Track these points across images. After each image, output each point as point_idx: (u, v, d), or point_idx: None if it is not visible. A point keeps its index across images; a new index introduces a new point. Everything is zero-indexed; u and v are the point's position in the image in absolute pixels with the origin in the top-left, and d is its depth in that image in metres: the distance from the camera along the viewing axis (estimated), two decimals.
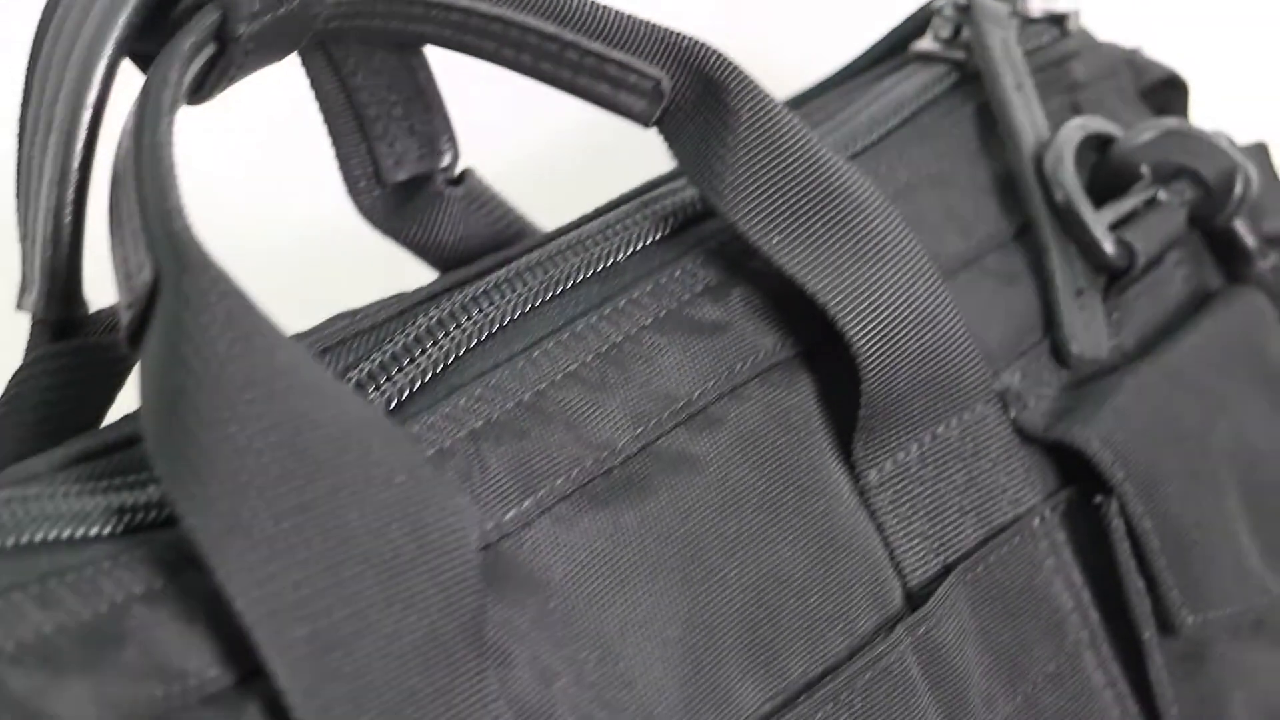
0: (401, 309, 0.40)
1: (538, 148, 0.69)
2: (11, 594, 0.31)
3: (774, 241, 0.40)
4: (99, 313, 0.38)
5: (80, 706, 0.31)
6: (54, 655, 0.31)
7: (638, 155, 0.48)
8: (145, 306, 0.33)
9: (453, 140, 0.45)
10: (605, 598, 0.36)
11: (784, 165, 0.41)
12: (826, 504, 0.40)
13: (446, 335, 0.38)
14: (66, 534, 0.33)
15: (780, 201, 0.40)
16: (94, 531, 0.33)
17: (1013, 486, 0.44)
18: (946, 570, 0.42)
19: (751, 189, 0.40)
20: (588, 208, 0.44)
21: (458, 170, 0.45)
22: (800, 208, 0.41)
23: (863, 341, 0.40)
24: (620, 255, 0.41)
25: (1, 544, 0.32)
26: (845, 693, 0.38)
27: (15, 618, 0.31)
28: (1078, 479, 0.45)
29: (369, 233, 0.46)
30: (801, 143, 0.41)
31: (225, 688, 0.32)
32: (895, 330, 0.41)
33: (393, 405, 0.37)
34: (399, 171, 0.44)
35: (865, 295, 0.41)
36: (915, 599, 0.41)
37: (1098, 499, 0.44)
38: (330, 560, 0.32)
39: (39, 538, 0.33)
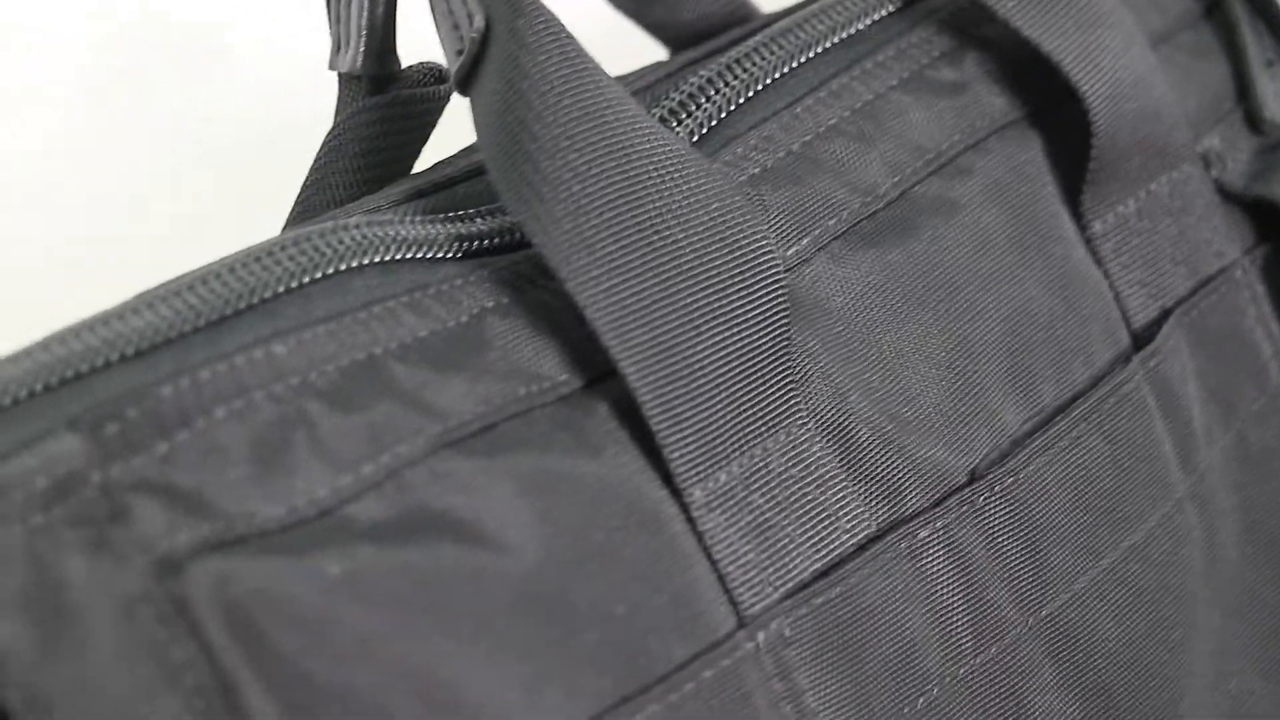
0: (669, 72, 0.43)
1: None
2: (387, 302, 0.35)
3: (1010, 7, 0.43)
4: (409, 68, 0.41)
5: (458, 400, 0.34)
6: (432, 354, 0.34)
7: None
8: (478, 52, 0.36)
9: None
10: (881, 325, 0.40)
11: None
12: (1064, 249, 0.43)
13: (717, 92, 0.41)
14: (417, 255, 0.36)
15: None
16: (440, 255, 0.37)
17: (1216, 240, 0.47)
18: (1164, 314, 0.45)
19: None
20: None
21: None
22: None
23: (1095, 99, 0.43)
24: (861, 23, 0.44)
25: (368, 260, 0.35)
26: (1095, 415, 0.42)
27: (393, 322, 0.35)
28: (1273, 237, 0.48)
29: None
30: None
31: (575, 390, 0.36)
32: (1120, 90, 0.44)
33: None
34: None
35: (1095, 58, 0.44)
36: (1139, 339, 0.44)
37: None
38: (663, 275, 0.36)
39: (396, 257, 0.36)
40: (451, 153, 0.42)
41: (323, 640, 0.31)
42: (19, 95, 0.73)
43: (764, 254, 0.37)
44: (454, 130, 0.45)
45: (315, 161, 0.43)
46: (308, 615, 0.31)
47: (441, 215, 0.37)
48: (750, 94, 0.42)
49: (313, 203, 0.44)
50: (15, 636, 0.29)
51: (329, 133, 0.42)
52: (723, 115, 0.41)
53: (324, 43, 0.43)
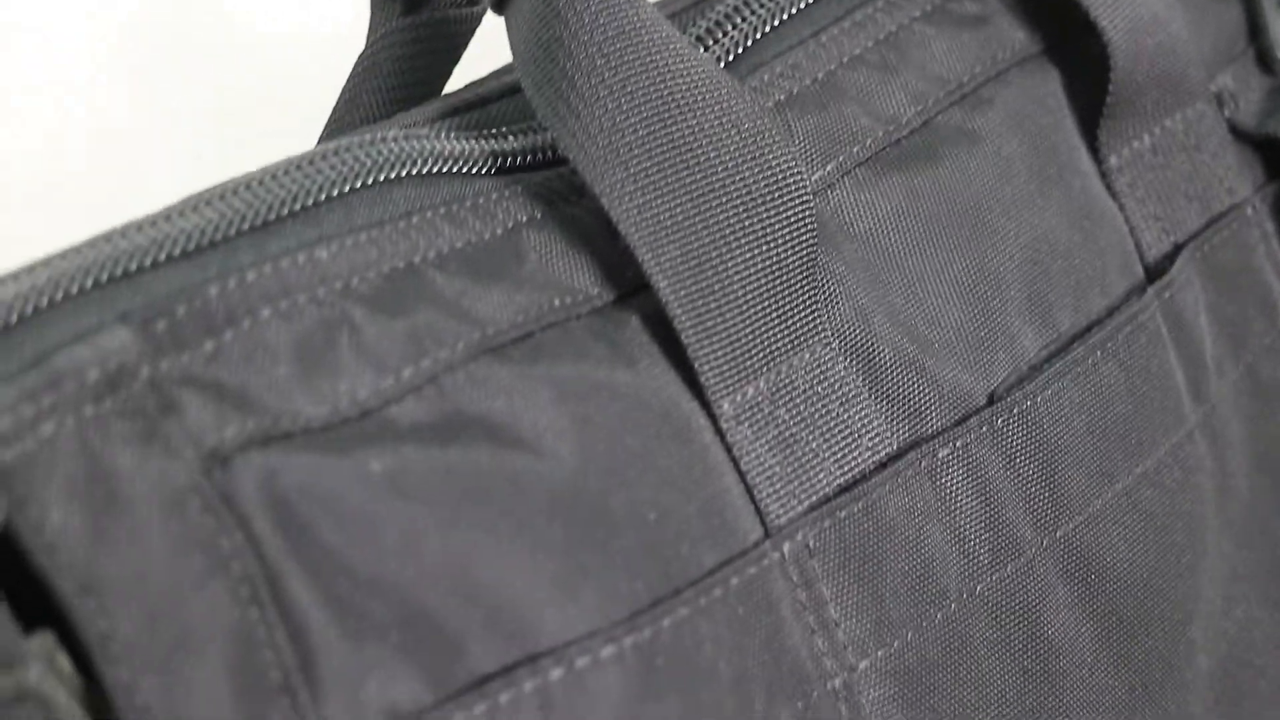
0: (695, 0, 0.44)
1: None
2: (425, 213, 0.35)
3: None
4: None
5: (496, 309, 0.35)
6: (470, 265, 0.35)
7: None
8: None
9: None
10: (904, 249, 0.40)
11: None
12: (1082, 181, 0.44)
13: (744, 20, 0.42)
14: (453, 169, 0.37)
15: None
16: (475, 170, 0.37)
17: (1228, 178, 0.48)
18: (1176, 249, 0.46)
19: None
20: None
21: None
22: None
23: (1114, 33, 0.44)
24: None
25: (406, 172, 0.36)
26: (1111, 343, 0.43)
27: (432, 232, 0.35)
28: None
29: None
30: None
31: (609, 303, 0.36)
32: (1138, 25, 0.45)
33: None
34: None
35: None
36: (1152, 273, 0.45)
37: None
38: (695, 191, 0.36)
39: (432, 170, 0.37)
40: (479, 75, 0.43)
41: (365, 534, 0.32)
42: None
43: (793, 174, 0.38)
44: (480, 55, 0.45)
45: (348, 81, 0.44)
46: (350, 510, 0.32)
47: (475, 132, 0.38)
48: (776, 23, 0.42)
49: (345, 121, 0.44)
50: (67, 524, 0.30)
51: (362, 53, 0.43)
52: (748, 43, 0.42)
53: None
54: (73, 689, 0.30)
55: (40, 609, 0.31)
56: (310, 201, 0.35)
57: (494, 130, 0.38)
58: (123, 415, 0.31)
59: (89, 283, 0.32)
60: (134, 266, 0.33)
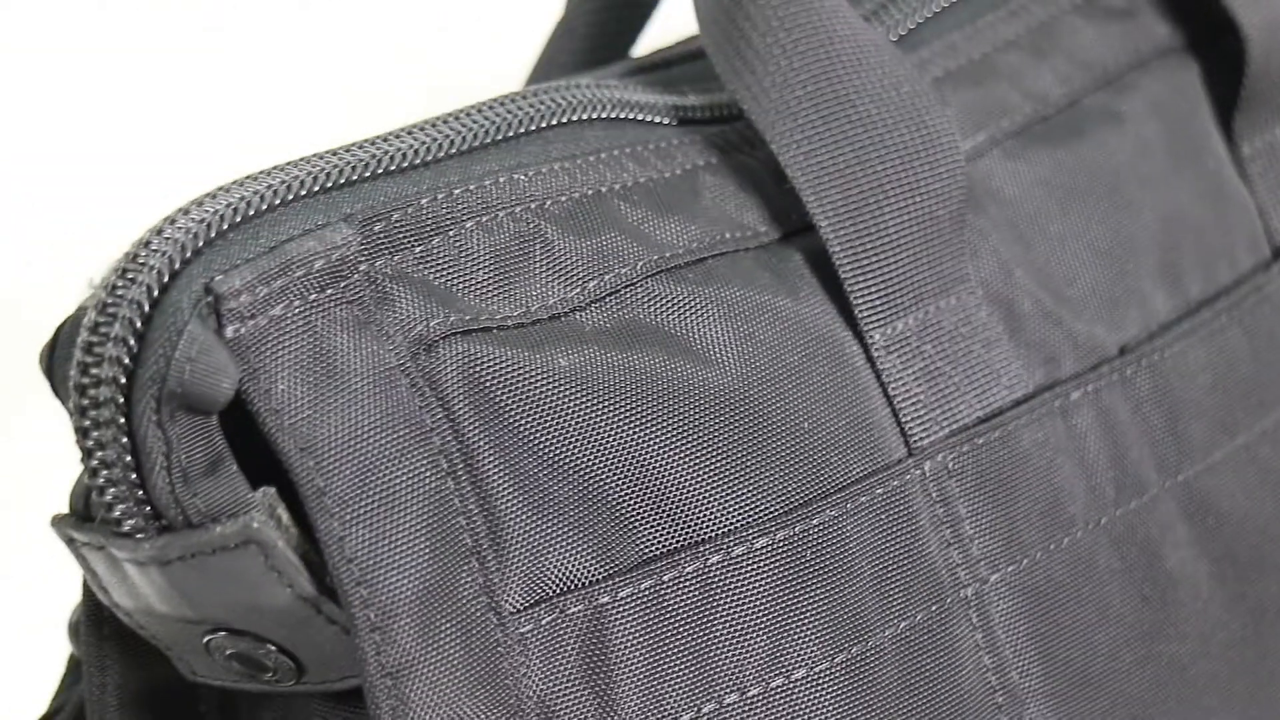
0: None
1: None
2: (613, 150, 0.39)
3: None
4: None
5: (673, 236, 0.39)
6: (651, 197, 0.39)
7: None
8: None
9: None
10: (1047, 213, 0.44)
11: None
12: (1216, 164, 0.48)
13: (907, 3, 0.46)
14: (638, 118, 0.41)
15: None
16: (658, 120, 0.41)
17: None
18: None
19: None
20: None
21: None
22: None
23: (1252, 30, 0.47)
24: None
25: (597, 115, 0.40)
26: (1236, 309, 0.46)
27: (619, 167, 0.39)
28: None
29: None
30: None
31: (774, 240, 0.40)
32: (1275, 24, 0.48)
33: None
34: None
35: None
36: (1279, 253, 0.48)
37: None
38: (857, 144, 0.40)
39: (620, 116, 0.41)
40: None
41: (550, 420, 0.36)
42: None
43: (947, 134, 0.41)
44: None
45: (545, 44, 0.49)
46: (538, 397, 0.36)
47: (660, 88, 0.42)
48: (936, 8, 0.46)
49: (540, 78, 0.49)
50: (292, 392, 0.34)
51: (559, 19, 0.48)
52: (910, 24, 0.45)
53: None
54: (290, 539, 0.34)
55: (264, 470, 0.35)
56: (511, 133, 0.39)
57: (676, 88, 0.42)
58: (342, 303, 0.35)
59: (316, 188, 0.37)
60: (355, 177, 0.37)
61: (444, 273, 0.36)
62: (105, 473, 0.34)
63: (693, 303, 0.38)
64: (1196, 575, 0.44)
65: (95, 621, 0.38)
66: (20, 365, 0.46)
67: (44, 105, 0.83)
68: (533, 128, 0.40)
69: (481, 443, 0.35)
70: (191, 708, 0.39)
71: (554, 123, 0.40)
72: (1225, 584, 0.44)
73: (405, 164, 0.38)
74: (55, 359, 0.36)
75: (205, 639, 0.36)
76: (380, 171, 0.37)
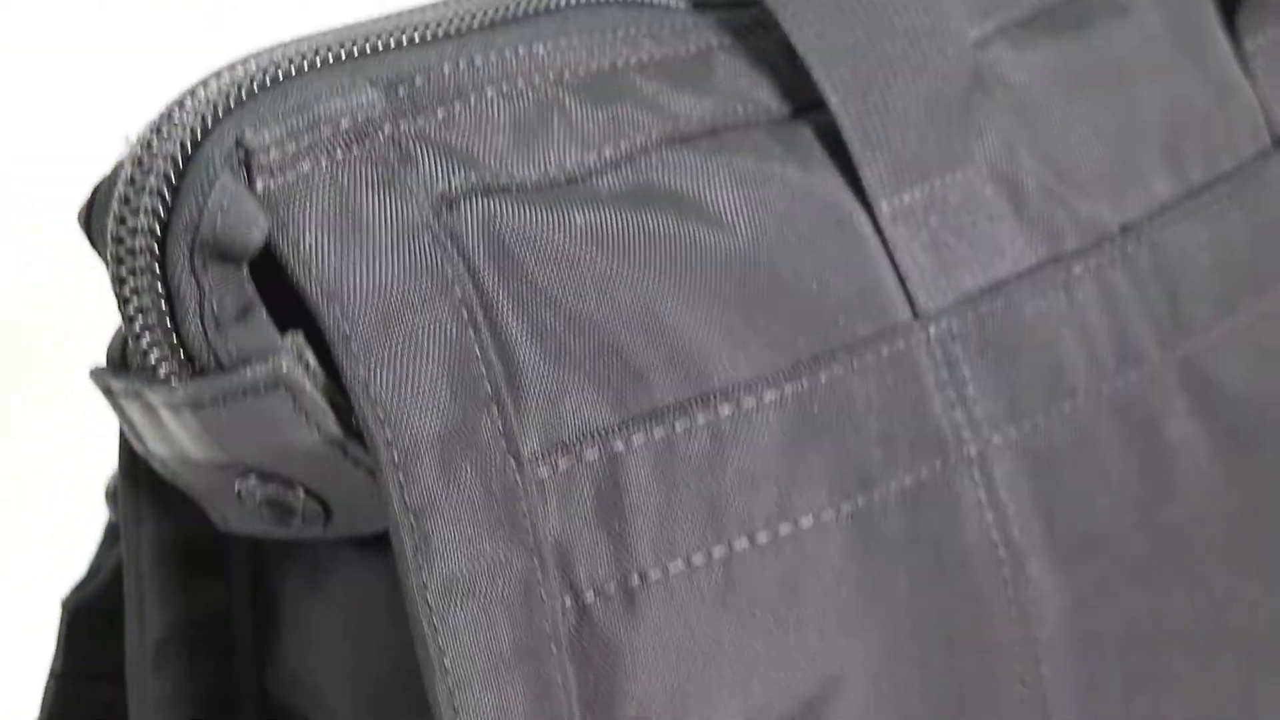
0: None
1: None
2: (630, 28, 0.41)
3: None
4: None
5: (687, 107, 0.40)
6: (667, 72, 0.41)
7: None
8: None
9: None
10: (1052, 99, 0.45)
11: None
12: (1219, 57, 0.49)
13: None
14: (654, 1, 0.42)
15: None
16: (674, 4, 0.43)
17: None
18: None
19: None
20: None
21: None
22: None
23: None
24: None
25: None
26: (1237, 193, 0.47)
27: (635, 45, 0.41)
28: None
29: None
30: None
31: (785, 115, 0.42)
32: None
33: None
34: None
35: None
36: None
37: None
38: (867, 24, 0.42)
39: (638, 0, 0.42)
40: None
41: (568, 274, 0.38)
42: None
43: (955, 18, 0.43)
44: None
45: None
46: (557, 252, 0.38)
47: None
48: None
49: None
50: (319, 244, 0.36)
51: None
52: None
53: None
54: (317, 382, 0.36)
55: (292, 324, 0.36)
56: (532, 10, 0.41)
57: None
58: (367, 162, 0.37)
59: (343, 54, 0.38)
60: (380, 45, 0.39)
61: (465, 136, 0.38)
62: (141, 319, 0.36)
63: (705, 169, 0.40)
64: (1196, 448, 0.45)
65: (131, 476, 0.40)
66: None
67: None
68: (552, 6, 0.41)
69: (501, 295, 0.37)
70: (222, 562, 0.41)
71: (573, 3, 0.41)
72: (1225, 457, 0.46)
73: (429, 35, 0.39)
74: (93, 214, 0.37)
75: (237, 485, 0.38)
76: (405, 42, 0.39)
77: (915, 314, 0.41)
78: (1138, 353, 0.44)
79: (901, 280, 0.41)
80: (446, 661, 0.36)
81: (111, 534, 0.45)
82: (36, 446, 0.48)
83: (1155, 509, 0.44)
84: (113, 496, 0.44)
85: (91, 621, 0.44)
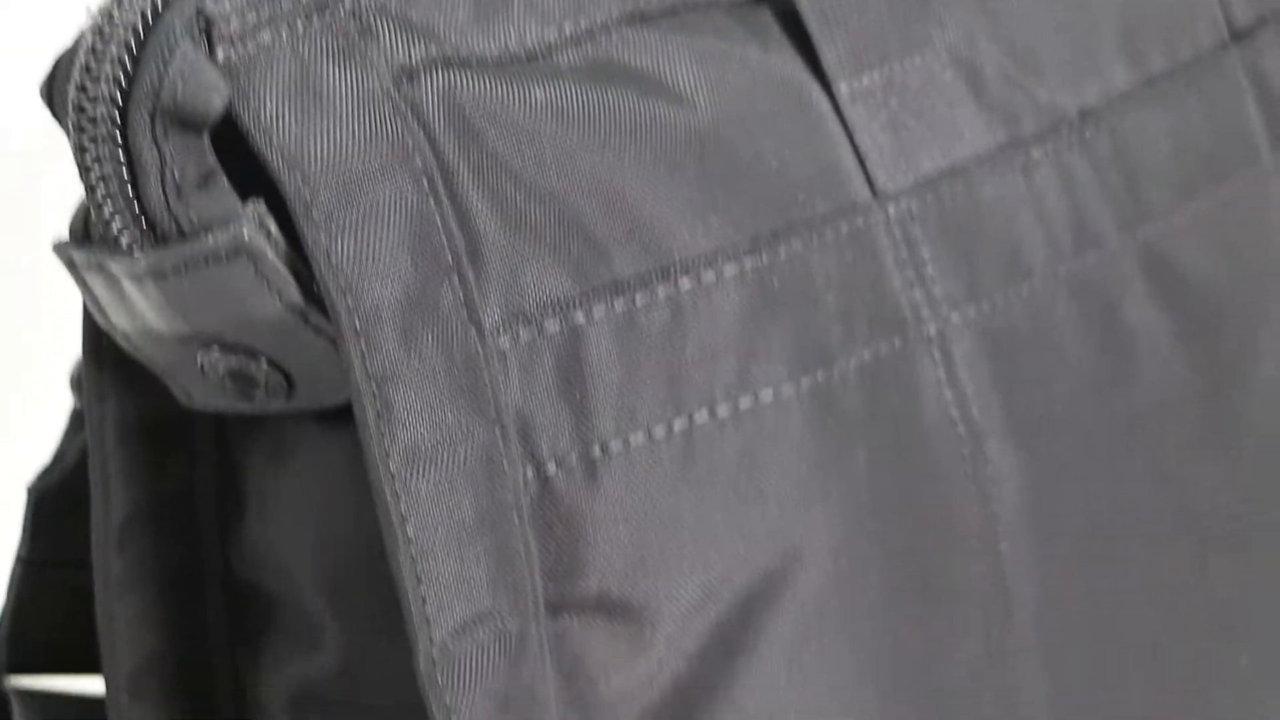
0: None
1: None
2: None
3: None
4: None
5: None
6: None
7: None
8: None
9: None
10: None
11: None
12: None
13: None
14: None
15: None
16: None
17: None
18: (1262, 21, 0.51)
19: None
20: None
21: None
22: None
23: None
24: None
25: None
26: (1196, 84, 0.48)
27: None
28: None
29: None
30: None
31: (746, 1, 0.42)
32: None
33: None
34: None
35: None
36: (1238, 36, 0.50)
37: None
38: None
39: None
40: None
41: (528, 147, 0.38)
42: None
43: None
44: None
45: None
46: (517, 125, 0.38)
47: None
48: None
49: None
50: (280, 113, 0.36)
51: None
52: None
53: None
54: (278, 250, 0.36)
55: (253, 193, 0.36)
56: None
57: None
58: (327, 33, 0.37)
59: None
60: None
61: (425, 10, 0.38)
62: (103, 187, 0.36)
63: (665, 48, 0.40)
64: (1156, 331, 0.45)
65: (94, 353, 0.40)
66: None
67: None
68: None
69: (461, 165, 0.37)
70: (186, 440, 0.41)
71: None
72: (1185, 342, 0.46)
73: None
74: (55, 84, 0.37)
75: (200, 358, 0.38)
76: None
77: (874, 194, 0.42)
78: (1096, 236, 0.45)
79: (861, 161, 0.42)
80: (409, 530, 0.36)
81: (76, 421, 0.45)
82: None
83: (1114, 392, 0.45)
84: (77, 383, 0.44)
85: (57, 507, 0.45)
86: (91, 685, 0.45)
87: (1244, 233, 0.48)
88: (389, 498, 0.36)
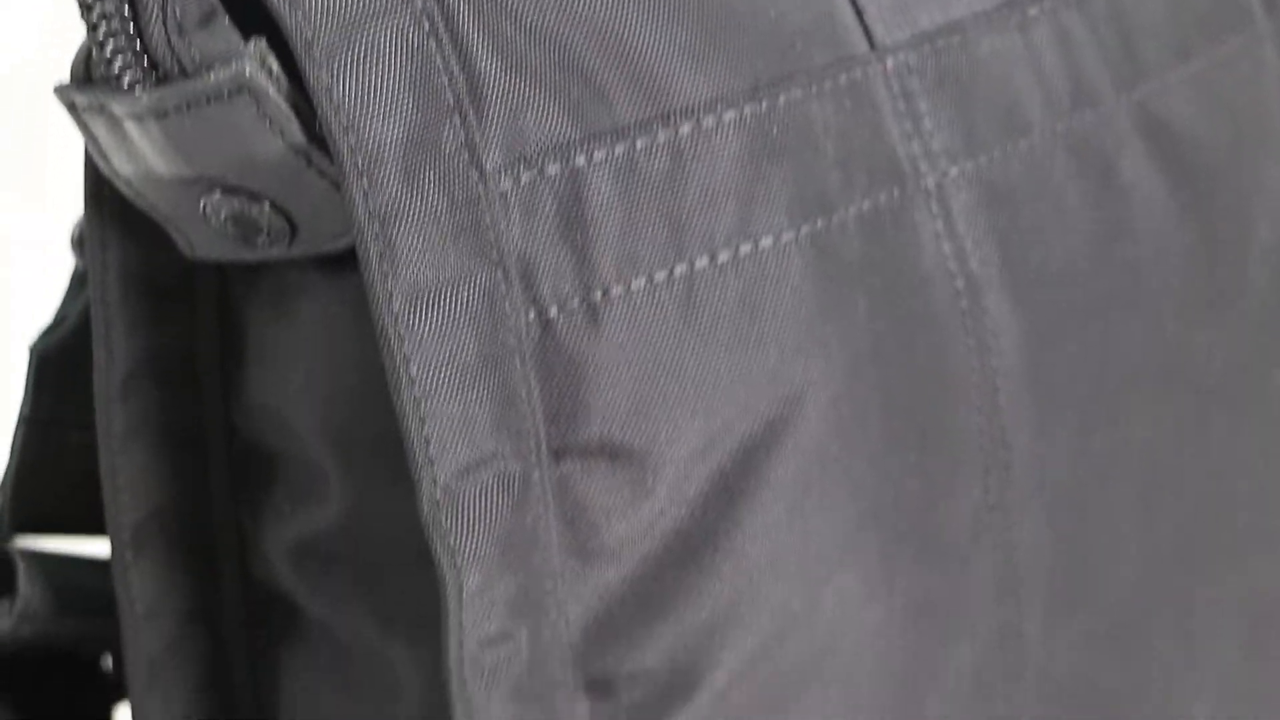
0: None
1: None
2: None
3: None
4: None
5: None
6: None
7: None
8: None
9: None
10: None
11: None
12: None
13: None
14: None
15: None
16: None
17: None
18: None
19: None
20: None
21: None
22: None
23: None
24: None
25: None
26: None
27: None
28: None
29: None
30: None
31: None
32: None
33: None
34: None
35: None
36: None
37: None
38: None
39: None
40: None
41: None
42: None
43: None
44: None
45: None
46: None
47: None
48: None
49: None
50: None
51: None
52: None
53: None
54: (280, 88, 0.36)
55: (255, 32, 0.36)
56: None
57: None
58: None
59: None
60: None
61: None
62: (104, 26, 0.36)
63: None
64: (1152, 189, 0.46)
65: (96, 202, 0.40)
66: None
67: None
68: None
69: (461, 6, 0.37)
70: (188, 291, 0.41)
71: None
72: (1180, 201, 0.46)
73: None
74: None
75: (202, 202, 0.38)
76: None
77: (872, 46, 0.42)
78: (1093, 94, 0.45)
79: (859, 14, 0.42)
80: (412, 370, 0.36)
81: (78, 283, 0.45)
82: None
83: (1111, 247, 0.45)
84: (78, 243, 0.44)
85: (59, 366, 0.45)
86: (96, 548, 0.45)
87: (1239, 95, 0.48)
88: (392, 338, 0.36)
